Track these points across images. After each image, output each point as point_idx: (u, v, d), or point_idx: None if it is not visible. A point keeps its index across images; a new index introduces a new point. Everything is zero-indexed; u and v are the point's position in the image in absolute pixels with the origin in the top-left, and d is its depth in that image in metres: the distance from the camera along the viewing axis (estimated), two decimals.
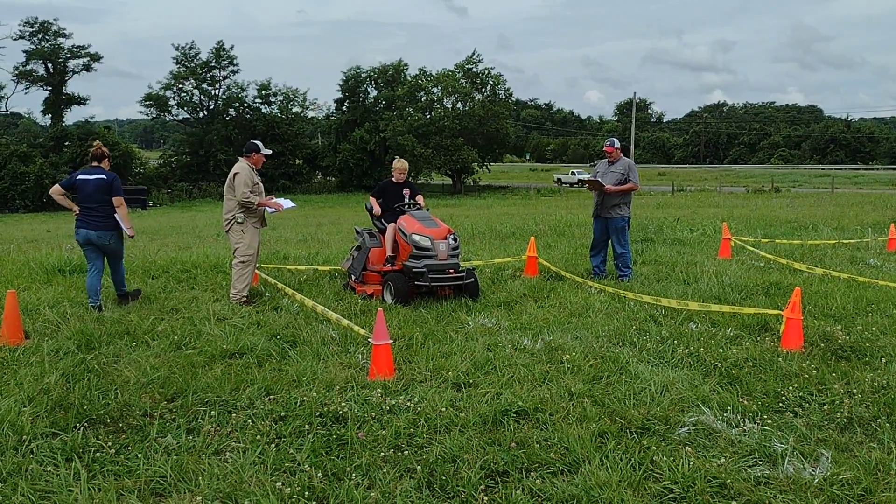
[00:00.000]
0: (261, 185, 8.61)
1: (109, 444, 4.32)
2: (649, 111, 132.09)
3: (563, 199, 46.33)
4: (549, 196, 51.60)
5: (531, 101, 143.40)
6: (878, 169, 77.40)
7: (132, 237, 8.51)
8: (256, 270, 9.79)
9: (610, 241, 10.05)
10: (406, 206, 9.05)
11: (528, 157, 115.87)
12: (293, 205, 9.04)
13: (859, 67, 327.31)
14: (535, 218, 22.65)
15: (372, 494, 3.68)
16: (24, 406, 4.86)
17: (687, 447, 4.23)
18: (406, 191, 9.24)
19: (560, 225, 18.74)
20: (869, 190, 48.35)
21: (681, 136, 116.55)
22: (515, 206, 38.28)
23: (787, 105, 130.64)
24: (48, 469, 4.01)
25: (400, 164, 9.42)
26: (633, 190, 9.87)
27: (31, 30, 60.21)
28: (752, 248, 12.19)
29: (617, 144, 10.00)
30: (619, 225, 9.81)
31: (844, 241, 13.61)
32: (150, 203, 52.25)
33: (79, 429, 4.52)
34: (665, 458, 4.05)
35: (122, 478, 3.94)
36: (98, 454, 4.18)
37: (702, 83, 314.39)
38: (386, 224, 9.07)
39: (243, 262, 8.41)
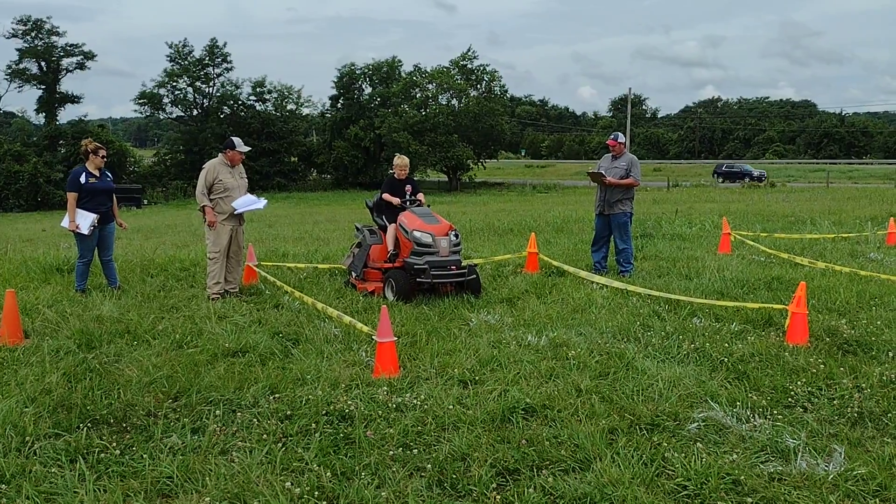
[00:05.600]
0: (237, 181, 8.62)
1: (114, 444, 4.26)
2: (644, 107, 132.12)
3: (559, 195, 46.31)
4: (545, 192, 51.60)
5: (526, 97, 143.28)
6: (872, 163, 77.54)
7: (73, 231, 8.62)
8: (255, 268, 9.75)
9: (612, 237, 10.01)
10: (407, 203, 9.00)
11: (523, 154, 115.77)
12: (253, 202, 8.72)
13: (849, 62, 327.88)
14: (532, 214, 22.62)
15: (383, 494, 3.63)
16: (26, 406, 4.80)
17: (698, 443, 4.19)
18: (408, 188, 9.19)
19: (558, 221, 18.70)
20: (864, 184, 48.47)
21: (675, 131, 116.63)
22: (512, 202, 38.27)
23: (781, 100, 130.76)
24: (52, 470, 3.95)
25: (401, 161, 9.36)
26: (634, 186, 9.83)
27: (24, 28, 60.01)
28: (752, 243, 12.17)
29: (621, 139, 9.95)
30: (621, 221, 9.78)
31: (844, 235, 13.60)
32: (145, 201, 52.08)
33: (82, 429, 4.45)
34: (676, 454, 4.01)
35: (128, 479, 3.88)
36: (103, 455, 4.12)
37: (693, 78, 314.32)
38: (387, 221, 9.02)
39: (210, 258, 8.59)
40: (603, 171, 9.76)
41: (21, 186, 51.13)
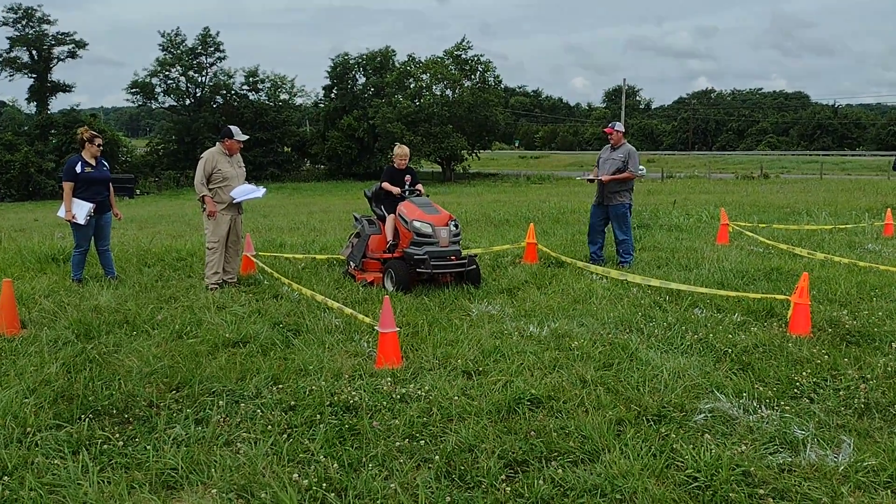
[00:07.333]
0: (235, 170, 8.54)
1: (116, 435, 4.22)
2: (637, 98, 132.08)
3: (553, 186, 46.28)
4: (539, 184, 51.53)
5: (519, 88, 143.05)
6: (865, 155, 77.67)
7: (69, 221, 8.53)
8: (253, 258, 9.69)
9: (609, 228, 9.99)
10: (406, 193, 8.94)
11: (517, 145, 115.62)
12: (252, 191, 8.63)
13: (840, 54, 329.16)
14: (527, 205, 22.58)
15: (391, 486, 3.60)
16: (27, 397, 4.75)
17: (706, 434, 4.17)
18: (408, 177, 9.12)
19: (554, 212, 18.68)
20: (857, 176, 48.56)
21: (669, 122, 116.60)
22: (506, 193, 38.19)
23: (774, 91, 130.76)
24: (55, 462, 3.90)
25: (401, 151, 9.29)
26: (632, 179, 9.75)
27: (14, 16, 59.53)
28: (750, 234, 12.16)
29: (618, 127, 9.86)
30: (620, 212, 9.73)
31: (841, 227, 13.61)
32: (138, 191, 51.83)
33: (84, 420, 4.41)
34: (685, 445, 3.98)
35: (132, 470, 3.84)
36: (105, 446, 4.08)
37: (686, 70, 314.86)
38: (386, 211, 8.96)
39: (209, 248, 8.50)
40: (600, 164, 9.75)
41: (12, 176, 50.76)
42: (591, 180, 9.88)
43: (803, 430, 4.21)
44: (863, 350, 5.76)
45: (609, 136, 9.90)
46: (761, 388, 4.89)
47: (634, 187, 10.10)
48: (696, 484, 3.62)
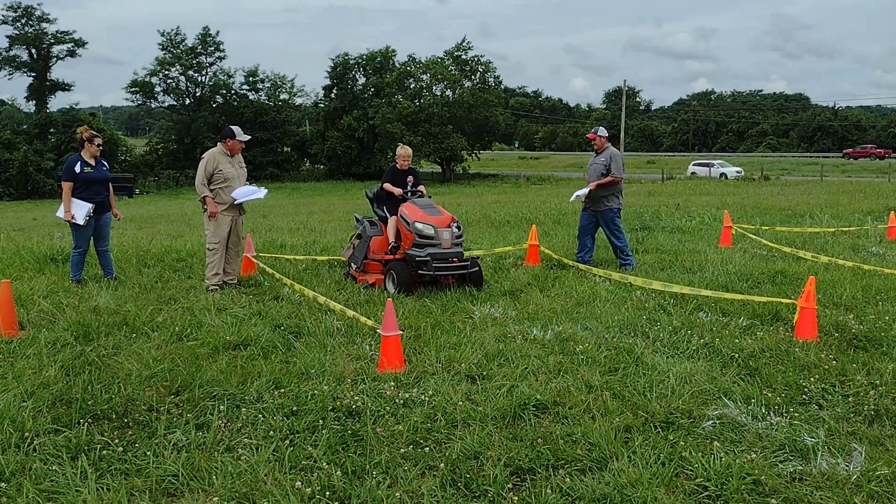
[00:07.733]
0: (236, 171, 8.47)
1: (116, 440, 4.14)
2: (637, 99, 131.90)
3: (553, 186, 46.21)
4: (539, 184, 51.47)
5: (519, 88, 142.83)
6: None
7: (69, 221, 8.45)
8: (253, 259, 9.62)
9: (597, 232, 9.99)
10: (408, 194, 8.88)
11: (517, 146, 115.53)
12: (253, 192, 8.53)
13: (840, 56, 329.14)
14: (528, 206, 22.51)
15: (396, 494, 3.53)
16: (25, 401, 4.67)
17: (715, 442, 4.10)
18: (410, 178, 9.05)
19: (555, 213, 18.61)
20: (857, 178, 48.49)
21: (669, 124, 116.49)
22: (506, 194, 38.14)
23: (774, 93, 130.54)
24: (53, 468, 3.83)
25: (404, 151, 9.22)
26: (615, 182, 9.66)
27: (14, 14, 59.40)
28: (754, 237, 12.10)
29: (601, 132, 9.79)
30: (608, 216, 9.67)
31: (844, 229, 13.55)
32: (137, 191, 51.76)
33: (83, 425, 4.33)
34: (694, 453, 3.92)
35: (132, 476, 3.77)
36: (104, 452, 4.00)
37: (686, 71, 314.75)
38: (387, 212, 8.89)
39: (210, 249, 8.42)
40: (580, 193, 9.79)
41: (11, 175, 50.67)
42: (580, 196, 9.88)
43: (813, 437, 4.14)
44: (870, 355, 5.70)
45: (592, 142, 9.87)
46: (769, 394, 4.82)
47: (633, 189, 10.06)
48: (707, 493, 3.55)
